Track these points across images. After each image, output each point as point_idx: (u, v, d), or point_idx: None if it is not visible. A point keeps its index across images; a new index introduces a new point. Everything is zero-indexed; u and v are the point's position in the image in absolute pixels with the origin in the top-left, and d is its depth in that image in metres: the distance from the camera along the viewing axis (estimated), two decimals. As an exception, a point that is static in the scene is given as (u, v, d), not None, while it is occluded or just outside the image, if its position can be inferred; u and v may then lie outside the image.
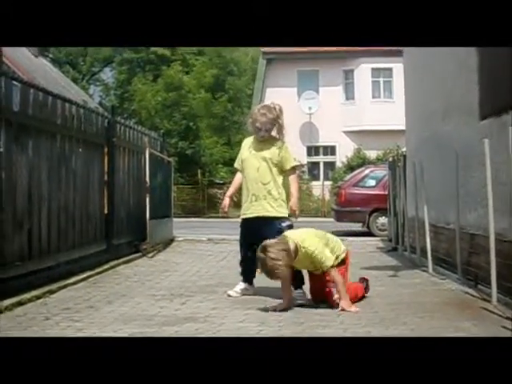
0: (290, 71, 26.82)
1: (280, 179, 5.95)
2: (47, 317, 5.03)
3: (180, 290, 6.42)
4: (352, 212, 14.73)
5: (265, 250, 5.12)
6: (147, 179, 9.70)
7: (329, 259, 5.26)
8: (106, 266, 7.81)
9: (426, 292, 6.18)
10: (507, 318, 4.67)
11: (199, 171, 26.63)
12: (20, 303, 5.41)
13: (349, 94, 27.28)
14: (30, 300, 5.58)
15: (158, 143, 11.48)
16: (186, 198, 26.18)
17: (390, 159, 12.59)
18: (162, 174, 11.12)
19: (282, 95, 22.12)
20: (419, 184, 8.21)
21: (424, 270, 7.63)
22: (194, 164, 26.78)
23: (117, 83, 41.41)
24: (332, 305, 5.31)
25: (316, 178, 27.16)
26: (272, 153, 5.93)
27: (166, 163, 11.87)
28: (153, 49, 35.16)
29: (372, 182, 15.11)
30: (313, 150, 27.57)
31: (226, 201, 6.27)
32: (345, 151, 26.35)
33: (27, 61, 24.63)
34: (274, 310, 5.22)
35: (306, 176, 26.61)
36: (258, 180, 5.93)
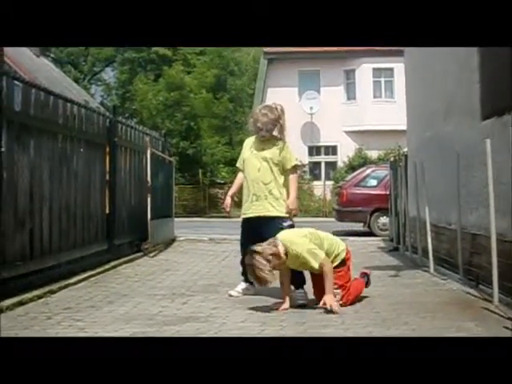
0: (291, 71, 26.80)
1: (281, 179, 5.96)
2: (48, 316, 5.03)
3: (181, 289, 6.42)
4: (353, 212, 14.72)
5: (251, 258, 5.18)
6: (148, 179, 9.70)
7: (316, 259, 5.23)
8: (107, 266, 7.82)
9: (428, 292, 6.18)
10: (509, 319, 4.67)
11: (200, 171, 26.62)
12: (21, 303, 5.41)
13: (350, 93, 27.26)
14: (31, 299, 5.59)
15: (159, 143, 11.48)
16: (188, 198, 26.18)
17: (392, 159, 12.59)
18: (163, 173, 11.12)
19: (283, 95, 22.13)
20: (420, 184, 8.21)
21: (425, 270, 7.63)
22: (196, 164, 26.76)
23: (118, 83, 41.41)
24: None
25: (317, 177, 27.15)
26: (273, 152, 5.94)
27: (168, 163, 11.87)
28: (154, 48, 35.17)
29: (373, 182, 15.10)
30: (314, 150, 27.56)
31: (228, 200, 6.29)
32: (346, 151, 26.34)
33: (29, 60, 24.65)
34: (276, 310, 5.23)
35: (308, 176, 26.61)
36: (259, 180, 5.93)
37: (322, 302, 5.16)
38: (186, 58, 32.60)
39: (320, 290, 5.49)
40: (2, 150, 5.58)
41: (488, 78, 6.09)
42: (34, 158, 6.21)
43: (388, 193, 12.23)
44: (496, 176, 5.42)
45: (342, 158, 26.76)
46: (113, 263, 8.07)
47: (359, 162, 24.36)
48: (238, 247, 6.27)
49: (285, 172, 5.98)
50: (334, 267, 5.40)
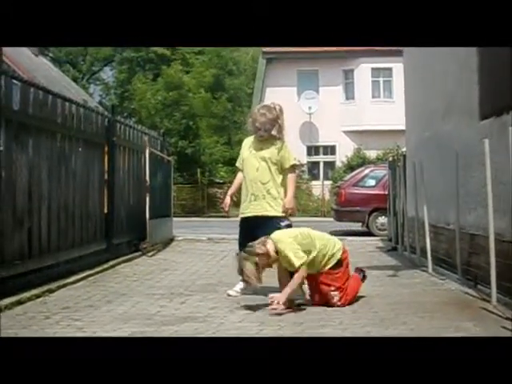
0: (289, 71, 26.79)
1: (279, 179, 5.96)
2: (47, 316, 5.03)
3: (180, 289, 6.42)
4: (352, 212, 14.72)
5: (240, 260, 5.26)
6: (147, 178, 9.70)
7: (297, 260, 5.21)
8: (105, 266, 7.82)
9: (426, 292, 6.18)
10: (507, 319, 4.67)
11: (199, 171, 26.60)
12: (20, 302, 5.41)
13: (349, 93, 27.26)
14: (29, 299, 5.58)
15: (158, 142, 11.48)
16: (186, 198, 26.16)
17: (390, 159, 12.59)
18: (161, 173, 11.12)
19: (281, 95, 22.13)
20: (419, 184, 8.21)
21: (424, 270, 7.63)
22: (194, 163, 26.74)
23: (117, 82, 41.37)
24: (331, 305, 5.31)
25: (316, 177, 27.14)
26: (271, 152, 5.94)
27: (166, 162, 11.87)
28: (153, 48, 35.10)
29: (372, 182, 15.11)
30: (313, 150, 27.56)
31: (228, 200, 6.30)
32: (345, 151, 26.33)
33: (27, 60, 24.63)
34: (274, 310, 5.22)
35: (306, 176, 26.60)
36: (257, 179, 5.94)
37: (270, 295, 5.18)
38: (184, 57, 32.58)
39: (312, 290, 5.47)
40: (1, 149, 5.58)
41: (487, 78, 6.10)
42: (32, 157, 6.20)
43: (386, 193, 12.24)
44: (494, 176, 5.42)
45: (340, 158, 26.75)
46: (111, 263, 8.07)
47: (358, 162, 24.35)
48: (237, 247, 6.27)
49: (283, 171, 5.99)
50: (331, 268, 5.39)
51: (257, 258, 5.22)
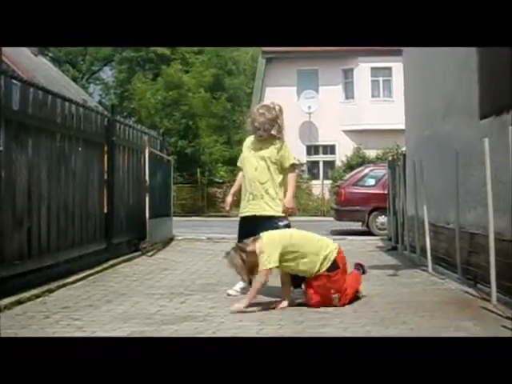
0: (289, 70, 26.78)
1: (278, 178, 5.97)
2: (46, 315, 5.03)
3: (179, 288, 6.42)
4: (351, 211, 14.72)
5: (232, 256, 5.35)
6: (147, 178, 9.70)
7: (265, 264, 5.19)
8: (105, 265, 7.81)
9: (426, 291, 6.19)
10: (507, 318, 4.67)
11: (199, 170, 26.60)
12: (19, 302, 5.41)
13: (348, 93, 27.25)
14: (29, 299, 5.58)
15: (157, 142, 11.48)
16: (186, 197, 26.16)
17: (390, 158, 12.60)
18: (161, 172, 11.12)
19: (281, 94, 22.12)
20: (419, 183, 8.21)
21: (424, 270, 7.63)
22: (194, 163, 26.74)
23: (116, 82, 41.37)
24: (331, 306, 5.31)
25: (315, 177, 27.13)
26: (271, 152, 5.95)
27: (166, 162, 11.86)
28: (152, 48, 35.11)
29: (371, 181, 15.11)
30: (312, 149, 27.55)
31: (229, 199, 6.32)
32: (344, 150, 26.32)
33: (27, 59, 24.63)
34: (274, 309, 5.23)
35: (306, 175, 26.60)
36: (256, 179, 5.95)
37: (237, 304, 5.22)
38: (184, 56, 32.56)
39: (315, 294, 5.44)
40: (0, 149, 5.58)
41: (487, 77, 6.10)
42: (32, 157, 6.20)
43: (386, 192, 12.24)
44: (494, 175, 5.42)
45: (340, 158, 26.75)
46: (111, 262, 8.07)
47: (357, 162, 24.35)
48: (236, 246, 6.28)
49: (283, 171, 5.99)
50: (327, 270, 5.35)
51: (244, 255, 5.25)
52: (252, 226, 5.85)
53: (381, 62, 25.79)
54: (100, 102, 36.68)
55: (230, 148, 28.26)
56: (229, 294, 5.95)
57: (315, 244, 5.43)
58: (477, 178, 6.12)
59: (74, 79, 38.52)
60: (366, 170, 15.76)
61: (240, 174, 6.25)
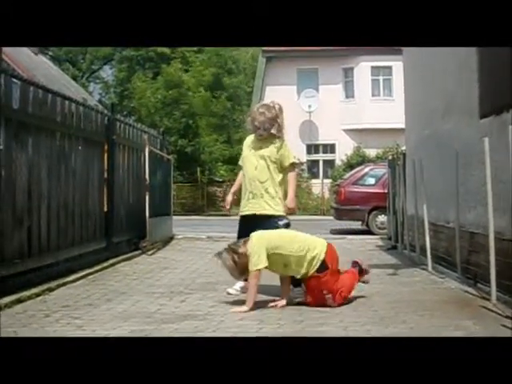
0: (289, 69, 26.79)
1: (278, 177, 5.97)
2: (47, 314, 5.04)
3: (179, 287, 6.43)
4: (351, 210, 14.73)
5: (223, 255, 5.35)
6: (147, 177, 9.70)
7: (254, 263, 5.19)
8: (105, 264, 7.82)
9: (426, 290, 6.19)
10: (507, 317, 4.68)
11: (199, 169, 26.62)
12: (19, 301, 5.42)
13: (348, 92, 27.25)
14: (29, 297, 5.59)
15: (157, 141, 11.48)
16: (186, 196, 26.18)
17: (390, 157, 12.59)
18: (161, 171, 11.12)
19: (281, 93, 22.15)
20: (419, 182, 8.22)
21: (423, 269, 7.63)
22: (194, 162, 26.75)
23: (116, 81, 41.37)
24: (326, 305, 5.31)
25: (315, 176, 27.14)
26: (270, 151, 5.95)
27: (166, 161, 11.87)
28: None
29: (371, 180, 15.11)
30: (312, 148, 27.55)
31: (229, 197, 6.33)
32: (344, 149, 26.33)
33: (27, 58, 24.62)
34: (274, 308, 5.23)
35: (306, 174, 26.61)
36: (256, 178, 5.95)
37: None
38: (184, 55, 32.56)
39: (309, 295, 5.44)
40: (0, 147, 5.58)
41: (487, 76, 6.10)
42: (32, 155, 6.20)
43: (386, 191, 12.25)
44: (494, 174, 5.43)
45: (340, 157, 26.75)
46: (111, 261, 8.07)
47: (357, 161, 24.36)
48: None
49: (283, 170, 6.00)
50: (317, 271, 5.31)
51: (236, 257, 5.26)
52: (252, 225, 5.85)
53: (381, 61, 25.78)
54: (100, 101, 36.69)
55: (229, 147, 28.27)
56: (229, 293, 5.96)
57: (303, 244, 5.37)
58: (477, 177, 6.12)
59: (74, 78, 38.51)
60: (366, 169, 15.77)
61: (240, 173, 6.26)
